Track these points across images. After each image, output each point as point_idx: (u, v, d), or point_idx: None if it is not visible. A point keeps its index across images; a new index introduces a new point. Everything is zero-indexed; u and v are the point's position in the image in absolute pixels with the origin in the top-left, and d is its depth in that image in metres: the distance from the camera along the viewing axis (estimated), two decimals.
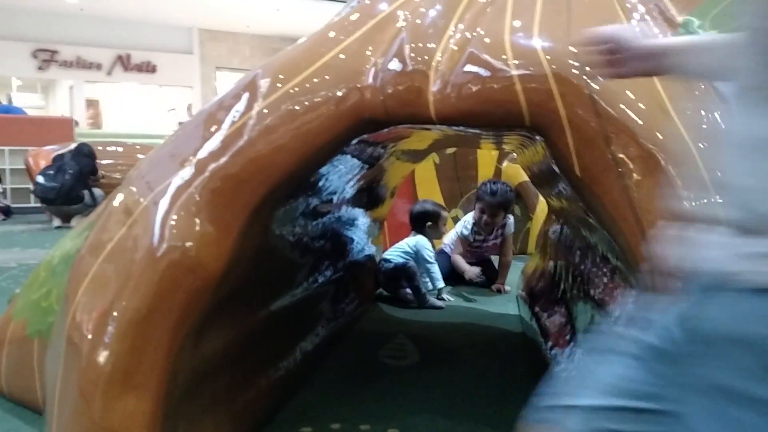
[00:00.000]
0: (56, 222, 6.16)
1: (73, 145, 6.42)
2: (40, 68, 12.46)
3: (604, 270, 1.51)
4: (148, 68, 13.45)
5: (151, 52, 13.39)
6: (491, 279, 3.50)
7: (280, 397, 1.78)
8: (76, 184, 6.03)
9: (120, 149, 6.94)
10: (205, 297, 1.23)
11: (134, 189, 1.31)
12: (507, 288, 3.35)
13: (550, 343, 1.89)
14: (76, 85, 13.13)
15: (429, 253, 3.23)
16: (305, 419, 1.66)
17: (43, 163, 6.26)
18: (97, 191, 6.13)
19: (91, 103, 13.73)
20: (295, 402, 1.80)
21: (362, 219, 2.71)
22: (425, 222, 3.36)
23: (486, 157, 4.68)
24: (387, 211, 3.24)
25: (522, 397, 1.82)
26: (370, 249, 2.96)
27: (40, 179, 6.03)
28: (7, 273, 4.14)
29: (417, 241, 3.28)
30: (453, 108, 1.20)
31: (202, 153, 1.23)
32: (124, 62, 13.21)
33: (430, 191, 4.90)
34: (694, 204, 1.05)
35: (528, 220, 4.75)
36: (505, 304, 3.06)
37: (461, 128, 1.42)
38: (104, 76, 13.12)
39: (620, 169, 1.07)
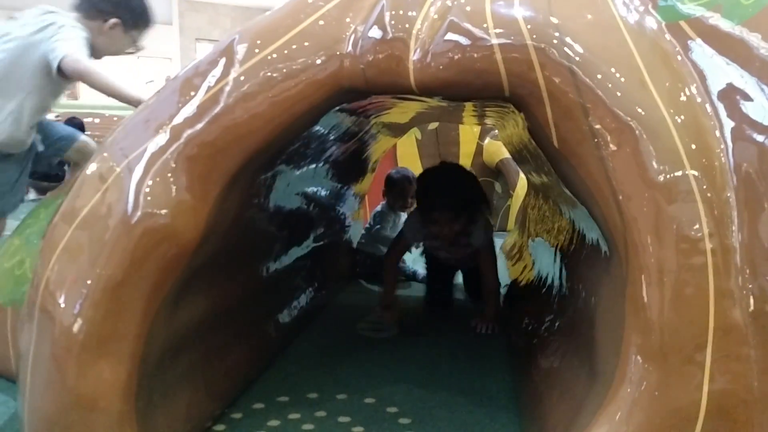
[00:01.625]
0: (32, 194, 6.06)
1: (52, 116, 6.28)
2: None
3: (583, 244, 1.52)
4: None
5: None
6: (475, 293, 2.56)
7: (257, 366, 1.78)
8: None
9: (97, 121, 6.83)
10: (181, 265, 1.22)
11: (108, 155, 1.28)
12: (488, 330, 2.22)
13: (526, 316, 1.91)
14: None
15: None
16: (282, 389, 1.66)
17: None
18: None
19: None
20: (273, 372, 1.80)
21: (342, 193, 2.70)
22: (391, 189, 3.10)
23: (468, 133, 4.68)
24: (368, 186, 3.23)
25: (497, 371, 1.85)
26: (350, 223, 2.95)
27: None
28: None
29: (376, 212, 3.16)
30: (433, 77, 1.18)
31: (178, 119, 1.21)
32: None
33: (411, 167, 4.90)
34: (668, 176, 1.06)
35: (508, 197, 4.77)
36: None
37: (441, 99, 1.41)
38: None
39: (596, 140, 1.07)
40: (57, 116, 6.46)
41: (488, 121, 2.53)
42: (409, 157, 4.63)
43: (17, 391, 1.29)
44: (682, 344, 1.00)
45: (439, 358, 1.97)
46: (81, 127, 6.15)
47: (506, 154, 4.26)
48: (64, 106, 8.33)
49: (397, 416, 1.53)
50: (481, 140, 4.70)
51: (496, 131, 3.91)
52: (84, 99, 12.63)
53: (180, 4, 13.48)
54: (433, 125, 4.51)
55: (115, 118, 6.91)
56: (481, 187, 2.32)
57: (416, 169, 4.80)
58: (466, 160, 4.66)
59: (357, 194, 3.00)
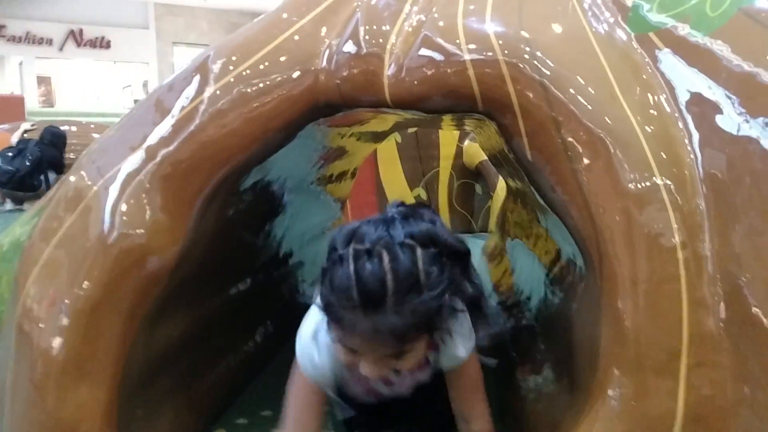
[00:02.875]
0: (8, 205, 5.98)
1: (28, 125, 6.19)
2: None
3: (559, 254, 1.54)
4: (102, 44, 13.08)
5: (105, 27, 13.01)
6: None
7: (240, 381, 1.78)
8: (34, 171, 5.81)
9: (74, 128, 6.74)
10: (159, 284, 1.22)
11: (84, 174, 1.28)
12: None
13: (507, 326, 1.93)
14: (26, 61, 12.70)
15: None
16: (266, 403, 1.66)
17: None
18: (53, 177, 5.93)
19: (43, 80, 13.31)
20: (256, 386, 1.80)
21: (322, 199, 2.70)
22: None
23: (448, 136, 4.70)
24: (348, 191, 3.23)
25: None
26: (331, 231, 2.95)
27: None
28: None
29: None
30: (408, 92, 1.19)
31: (152, 138, 1.21)
32: (77, 37, 12.81)
33: (392, 170, 4.91)
34: (639, 186, 1.07)
35: (489, 198, 4.80)
36: None
37: (416, 113, 1.42)
38: (56, 52, 12.71)
39: (569, 153, 1.09)
40: (33, 125, 6.39)
41: (467, 128, 2.55)
42: (390, 162, 4.64)
43: None
44: (657, 353, 1.02)
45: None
46: (62, 137, 6.07)
47: (485, 156, 4.28)
48: (39, 114, 8.23)
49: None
50: (461, 143, 4.73)
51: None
52: (60, 106, 12.49)
53: (156, 8, 13.39)
54: (412, 129, 4.53)
55: (92, 125, 6.83)
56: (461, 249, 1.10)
57: (397, 173, 4.82)
58: (446, 162, 4.68)
59: (338, 200, 3.00)
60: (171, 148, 1.19)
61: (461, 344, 1.13)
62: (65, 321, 1.16)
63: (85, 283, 1.16)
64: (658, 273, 1.05)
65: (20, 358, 1.21)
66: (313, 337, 1.17)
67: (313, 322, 1.18)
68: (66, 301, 1.17)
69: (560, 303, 1.37)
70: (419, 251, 0.94)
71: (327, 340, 1.09)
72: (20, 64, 12.71)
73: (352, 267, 0.92)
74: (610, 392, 1.01)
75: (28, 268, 1.26)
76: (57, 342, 1.15)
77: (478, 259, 3.25)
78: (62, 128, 6.45)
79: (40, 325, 1.18)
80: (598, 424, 1.01)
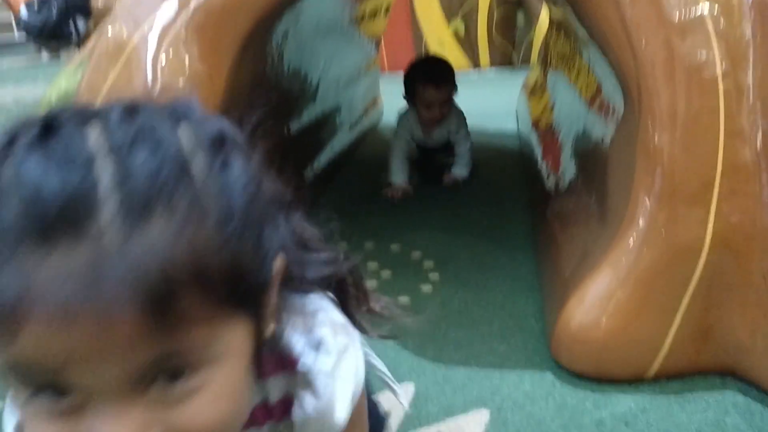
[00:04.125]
0: (45, 56, 6.01)
1: None
2: None
3: (600, 88, 1.52)
4: None
5: None
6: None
7: None
8: (62, 20, 5.74)
9: None
10: None
11: (121, 25, 1.28)
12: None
13: (545, 161, 1.95)
14: None
15: None
16: None
17: None
18: (82, 22, 5.86)
19: None
20: None
21: (357, 40, 2.65)
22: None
23: None
24: (383, 28, 3.13)
25: (517, 214, 1.93)
26: (367, 74, 2.92)
27: (23, 12, 5.76)
28: (5, 112, 4.16)
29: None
30: None
31: None
32: None
33: (427, 2, 4.70)
34: (683, 15, 1.03)
35: (531, 28, 4.59)
36: (504, 121, 3.08)
37: None
38: None
39: None
40: None
41: None
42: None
43: None
44: (690, 183, 1.04)
45: (461, 204, 2.05)
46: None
47: None
48: None
49: (421, 260, 1.64)
50: None
51: None
52: None
53: None
54: None
55: None
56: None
57: (432, 4, 4.62)
58: None
59: (372, 38, 2.94)
60: None
61: (337, 392, 0.55)
62: None
63: None
64: (697, 106, 1.04)
65: None
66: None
67: None
68: None
69: (598, 138, 1.38)
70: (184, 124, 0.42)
71: None
72: None
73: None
74: (640, 221, 1.05)
75: None
76: None
77: (518, 94, 3.20)
78: None
79: None
80: (626, 251, 1.06)
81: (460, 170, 2.27)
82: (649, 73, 1.07)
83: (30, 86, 5.14)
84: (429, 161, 2.38)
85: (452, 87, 2.20)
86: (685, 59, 1.05)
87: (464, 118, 2.30)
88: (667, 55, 1.05)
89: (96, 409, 0.36)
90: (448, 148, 2.32)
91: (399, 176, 2.18)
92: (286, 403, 0.54)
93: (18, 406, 0.39)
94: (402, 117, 2.28)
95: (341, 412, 0.55)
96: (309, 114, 2.09)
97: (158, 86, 1.19)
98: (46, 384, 0.36)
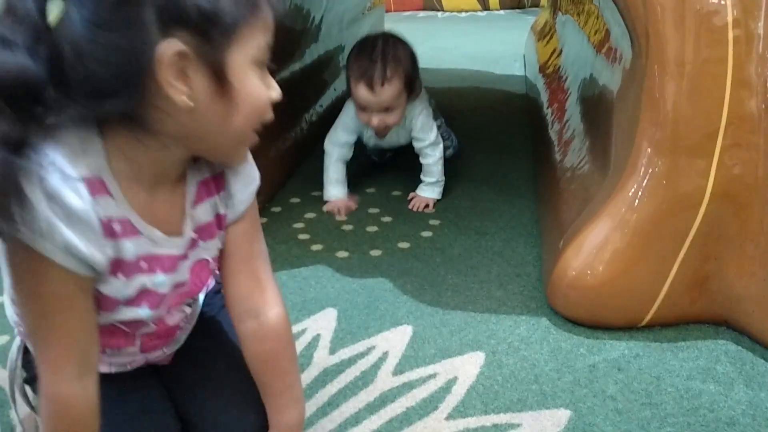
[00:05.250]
0: None
1: None
2: None
3: (608, 35, 1.49)
4: None
5: None
6: None
7: (291, 165, 1.88)
8: None
9: None
10: None
11: None
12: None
13: (550, 108, 1.93)
14: None
15: None
16: (316, 185, 1.76)
17: None
18: None
19: None
20: (305, 169, 1.91)
21: None
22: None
23: None
24: None
25: (519, 161, 1.92)
26: (371, 13, 2.86)
27: None
28: None
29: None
30: None
31: None
32: None
33: None
34: None
35: None
36: (511, 65, 3.04)
37: None
38: None
39: None
40: None
41: None
42: None
43: None
44: (694, 134, 1.04)
45: (464, 149, 2.04)
46: None
47: None
48: None
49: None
50: None
51: None
52: None
53: None
54: None
55: None
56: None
57: None
58: None
59: None
60: None
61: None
62: None
63: None
64: (705, 54, 1.02)
65: None
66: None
67: None
68: None
69: (603, 85, 1.36)
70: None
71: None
72: None
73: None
74: (642, 171, 1.05)
75: None
76: None
77: (525, 39, 3.14)
78: None
79: None
80: (626, 200, 1.06)
81: (429, 190, 1.67)
82: (659, 17, 1.04)
83: None
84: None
85: (402, 86, 1.53)
86: (696, 4, 1.02)
87: (432, 116, 1.67)
88: (678, 0, 1.02)
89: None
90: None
91: (335, 189, 1.67)
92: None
93: None
94: (346, 109, 1.67)
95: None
96: (311, 54, 2.06)
97: None
98: None
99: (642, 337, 1.11)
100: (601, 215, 1.09)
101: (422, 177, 1.68)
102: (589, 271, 1.09)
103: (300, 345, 1.13)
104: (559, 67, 2.06)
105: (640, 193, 1.06)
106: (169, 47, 0.51)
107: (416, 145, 1.66)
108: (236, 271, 0.73)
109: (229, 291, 0.74)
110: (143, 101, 0.53)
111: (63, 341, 0.58)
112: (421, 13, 5.01)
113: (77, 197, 0.53)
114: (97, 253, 0.56)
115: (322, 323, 1.18)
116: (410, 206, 1.66)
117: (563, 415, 0.94)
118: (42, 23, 0.49)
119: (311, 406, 0.97)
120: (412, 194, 1.69)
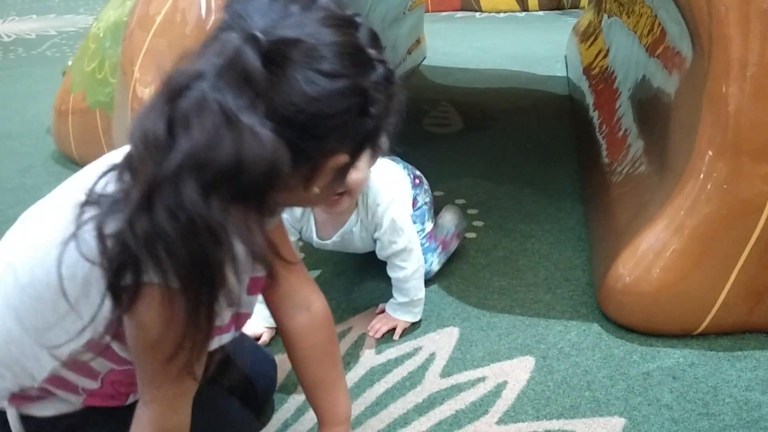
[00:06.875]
0: None
1: None
2: None
3: (663, 35, 1.45)
4: None
5: None
6: None
7: None
8: None
9: None
10: None
11: None
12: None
13: (596, 109, 1.90)
14: None
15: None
16: None
17: None
18: None
19: None
20: None
21: None
22: None
23: None
24: None
25: (564, 162, 1.89)
26: (412, 13, 2.84)
27: None
28: (49, 41, 4.18)
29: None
30: None
31: None
32: None
33: None
34: None
35: None
36: (552, 66, 3.00)
37: None
38: None
39: None
40: None
41: None
42: None
43: None
44: (757, 138, 1.00)
45: (505, 150, 2.01)
46: None
47: None
48: None
49: (464, 208, 1.62)
50: None
51: None
52: None
53: None
54: None
55: None
56: None
57: None
58: None
59: None
60: None
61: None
62: None
63: None
64: None
65: None
66: None
67: None
68: None
69: (659, 87, 1.33)
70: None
71: None
72: None
73: None
74: (702, 175, 1.02)
75: (132, 55, 1.32)
76: None
77: (567, 40, 3.09)
78: None
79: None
80: (685, 204, 1.03)
81: (402, 311, 1.15)
82: (723, 18, 1.01)
83: (71, 16, 5.16)
84: None
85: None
86: (762, 4, 0.99)
87: (404, 220, 1.11)
88: (743, 2, 0.99)
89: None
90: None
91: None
92: None
93: None
94: None
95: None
96: None
97: (212, 19, 1.18)
98: None
99: (697, 346, 1.08)
100: (658, 219, 1.06)
101: (393, 291, 1.16)
102: (644, 277, 1.06)
103: (346, 344, 1.12)
104: (607, 69, 2.02)
105: (699, 197, 1.03)
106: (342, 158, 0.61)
107: (380, 253, 1.13)
108: (287, 269, 0.76)
109: (282, 288, 0.77)
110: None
111: (187, 382, 0.61)
112: (459, 14, 4.98)
113: None
114: None
115: (368, 323, 1.17)
116: (370, 326, 1.15)
117: (617, 423, 0.92)
118: None
119: (359, 405, 0.97)
120: (381, 306, 1.19)
